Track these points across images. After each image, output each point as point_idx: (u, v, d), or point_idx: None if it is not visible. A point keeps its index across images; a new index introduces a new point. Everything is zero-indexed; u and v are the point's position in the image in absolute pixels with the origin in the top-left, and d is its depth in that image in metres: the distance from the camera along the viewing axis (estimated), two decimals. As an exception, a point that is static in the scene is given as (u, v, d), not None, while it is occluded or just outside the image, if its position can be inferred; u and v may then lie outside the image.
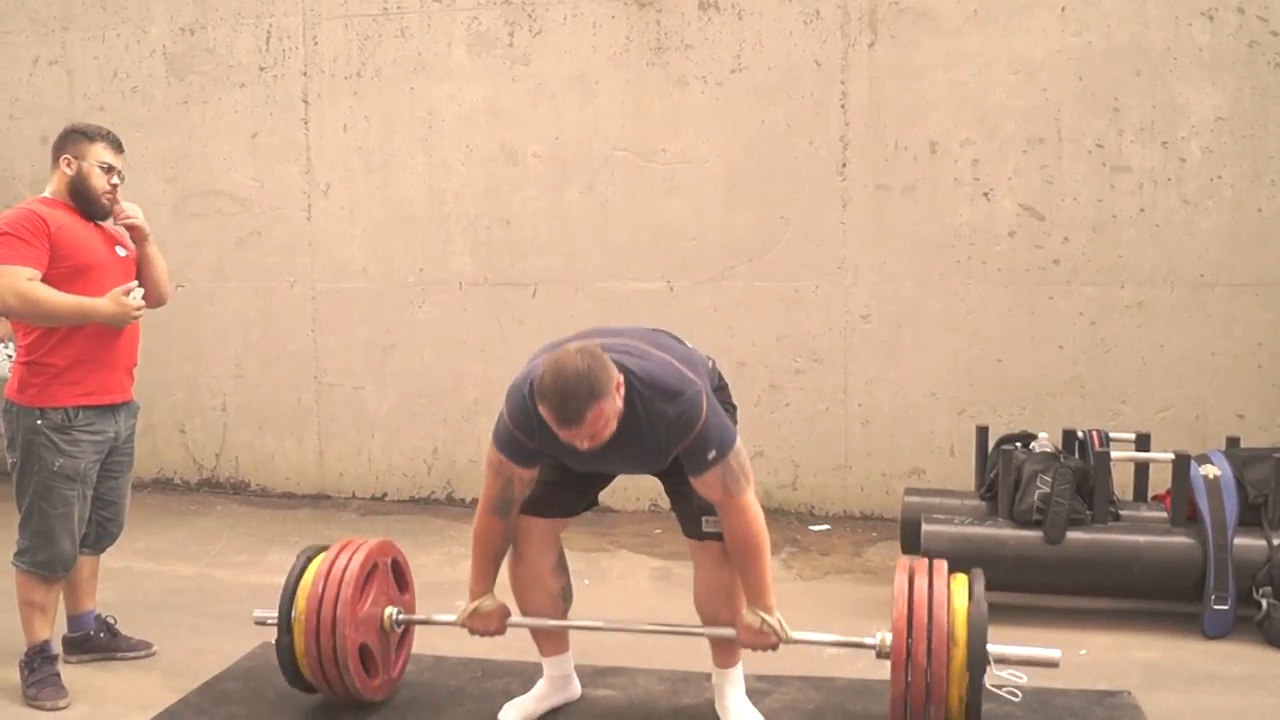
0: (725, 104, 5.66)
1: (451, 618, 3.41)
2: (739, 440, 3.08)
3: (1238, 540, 4.12)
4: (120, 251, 3.77)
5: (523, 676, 3.63)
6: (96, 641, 3.96)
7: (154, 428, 6.36)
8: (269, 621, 3.42)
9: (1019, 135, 5.39)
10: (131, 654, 3.98)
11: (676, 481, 3.24)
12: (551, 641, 3.48)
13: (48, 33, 6.45)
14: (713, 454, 3.01)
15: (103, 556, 3.97)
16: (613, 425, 2.92)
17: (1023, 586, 4.36)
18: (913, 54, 5.46)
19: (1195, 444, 4.96)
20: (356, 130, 6.10)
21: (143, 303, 3.65)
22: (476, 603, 3.32)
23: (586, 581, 4.75)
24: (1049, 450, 4.49)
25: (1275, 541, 4.11)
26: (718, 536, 3.21)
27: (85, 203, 3.68)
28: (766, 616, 3.13)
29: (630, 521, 5.69)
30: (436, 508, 6.09)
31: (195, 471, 6.53)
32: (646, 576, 4.99)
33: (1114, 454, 4.41)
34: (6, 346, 3.80)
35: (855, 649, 3.31)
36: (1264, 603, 4.05)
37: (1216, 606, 4.08)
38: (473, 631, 3.36)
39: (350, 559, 3.39)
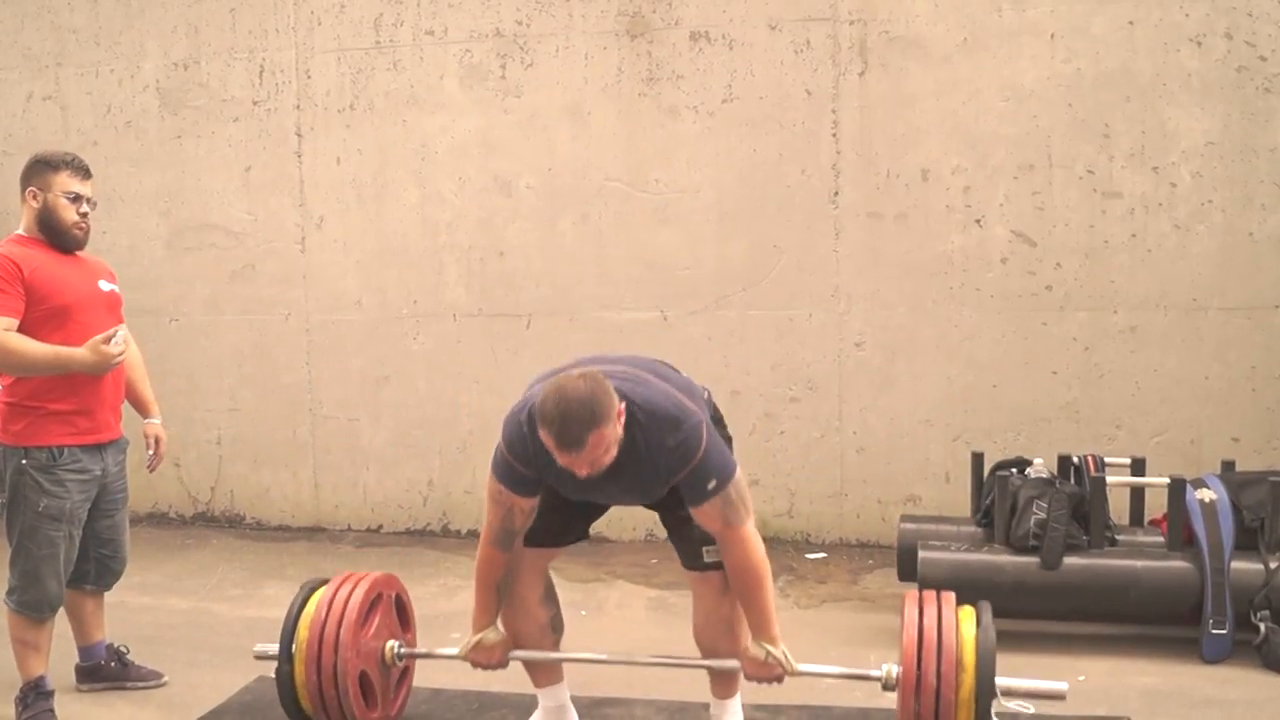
0: (717, 134, 5.69)
1: (454, 651, 3.38)
2: (739, 471, 3.06)
3: (1235, 564, 4.11)
4: (103, 286, 3.70)
5: (519, 708, 3.61)
6: (108, 671, 3.96)
7: (145, 463, 6.34)
8: (270, 655, 3.39)
9: (1010, 162, 5.42)
10: (142, 683, 3.99)
11: (674, 512, 3.22)
12: (544, 672, 3.45)
13: (41, 68, 6.47)
14: (713, 484, 2.98)
15: (98, 591, 3.97)
16: (613, 452, 2.89)
17: (1020, 613, 4.34)
18: (903, 82, 5.49)
19: (1190, 468, 4.97)
20: (350, 163, 6.12)
21: (124, 347, 3.57)
22: (479, 635, 3.30)
23: (583, 612, 4.73)
24: (1044, 476, 4.49)
25: (1272, 565, 4.10)
26: (718, 566, 3.19)
27: (55, 236, 3.60)
28: (771, 649, 3.10)
29: (626, 551, 5.67)
30: (432, 539, 6.07)
31: (190, 505, 6.51)
32: (643, 607, 4.97)
33: (1109, 479, 4.41)
34: None
35: (860, 680, 3.28)
36: (1262, 626, 4.04)
37: (1214, 631, 4.07)
38: (475, 664, 3.33)
39: (355, 588, 3.39)
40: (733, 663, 3.18)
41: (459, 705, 3.77)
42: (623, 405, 2.91)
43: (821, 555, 5.58)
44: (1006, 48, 5.38)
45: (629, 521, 5.74)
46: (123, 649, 4.01)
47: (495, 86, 5.92)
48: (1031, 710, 3.17)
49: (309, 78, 6.14)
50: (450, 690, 3.88)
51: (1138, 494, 4.65)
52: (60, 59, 6.45)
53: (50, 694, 3.64)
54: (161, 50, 6.31)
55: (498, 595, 3.29)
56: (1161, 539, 4.34)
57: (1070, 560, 4.22)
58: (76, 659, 3.96)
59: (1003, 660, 4.11)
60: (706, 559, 3.20)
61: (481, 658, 3.31)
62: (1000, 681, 3.03)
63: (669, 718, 3.65)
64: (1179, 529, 4.26)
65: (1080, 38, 5.31)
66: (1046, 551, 4.21)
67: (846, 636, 4.48)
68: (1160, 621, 4.26)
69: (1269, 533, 4.16)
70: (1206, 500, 4.26)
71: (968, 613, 3.15)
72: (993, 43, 5.39)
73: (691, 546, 3.22)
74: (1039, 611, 4.34)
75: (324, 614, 3.32)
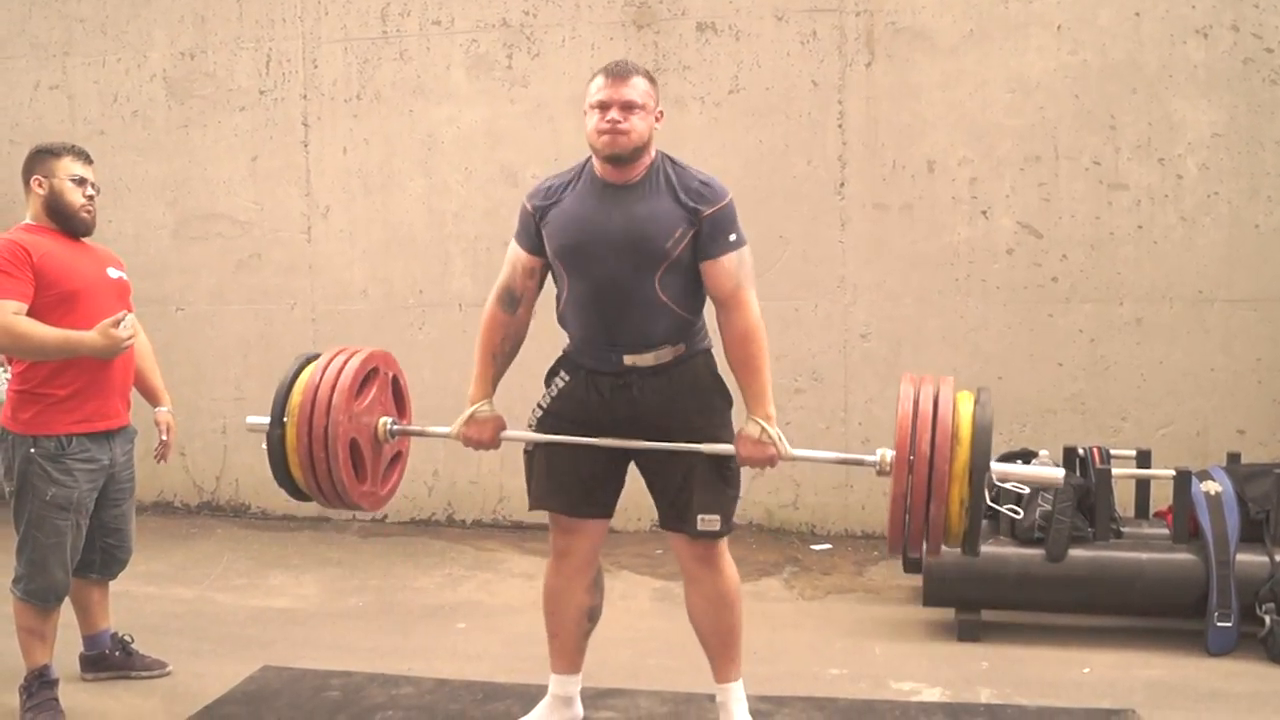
0: (723, 124, 5.68)
1: (447, 430, 3.32)
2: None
3: (1240, 556, 4.11)
4: (112, 273, 3.71)
5: (524, 699, 3.61)
6: (112, 660, 3.97)
7: (153, 451, 6.35)
8: (262, 425, 3.24)
9: (1016, 153, 5.41)
10: (147, 672, 3.99)
11: (669, 471, 3.17)
12: (564, 659, 3.43)
13: (48, 57, 6.47)
14: (733, 237, 3.15)
15: (103, 580, 3.98)
16: (641, 132, 3.10)
17: (1025, 605, 4.35)
18: (910, 73, 5.48)
19: (1196, 460, 4.96)
20: (356, 153, 6.12)
21: (133, 331, 3.58)
22: (473, 409, 3.27)
23: (588, 602, 4.74)
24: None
25: (1278, 557, 4.10)
26: (715, 536, 3.17)
27: (64, 220, 3.61)
28: (767, 426, 3.10)
29: (632, 542, 5.67)
30: (437, 529, 6.08)
31: (195, 494, 6.52)
32: (648, 597, 4.98)
33: (1115, 471, 4.41)
34: (4, 370, 3.77)
35: (855, 466, 3.22)
36: (1268, 619, 4.04)
37: (1220, 623, 4.07)
38: (466, 441, 3.29)
39: (350, 357, 3.28)
40: (728, 447, 3.12)
41: (464, 696, 3.77)
42: (662, 113, 3.21)
43: (827, 547, 5.58)
44: (1013, 39, 5.37)
45: (634, 512, 5.73)
46: (127, 638, 4.02)
47: (502, 77, 5.91)
48: (1026, 491, 3.11)
49: (316, 67, 6.13)
50: (455, 681, 3.89)
51: (1143, 486, 4.65)
52: (67, 48, 6.45)
53: (54, 683, 3.64)
54: (168, 40, 6.31)
55: (494, 364, 3.31)
56: (1167, 531, 4.33)
57: (1075, 552, 4.22)
58: (81, 648, 3.96)
59: (1005, 652, 4.16)
60: (702, 527, 3.14)
61: (473, 432, 3.26)
62: (996, 467, 2.96)
63: (673, 709, 3.65)
64: (1184, 521, 4.26)
65: (1087, 29, 5.30)
66: (1052, 543, 4.21)
67: (851, 628, 4.48)
68: (1165, 614, 4.26)
69: (1274, 525, 4.17)
70: (1212, 492, 4.26)
71: (966, 394, 3.04)
72: (999, 34, 5.38)
73: (687, 512, 3.14)
74: (1044, 604, 4.34)
75: (318, 379, 3.20)
